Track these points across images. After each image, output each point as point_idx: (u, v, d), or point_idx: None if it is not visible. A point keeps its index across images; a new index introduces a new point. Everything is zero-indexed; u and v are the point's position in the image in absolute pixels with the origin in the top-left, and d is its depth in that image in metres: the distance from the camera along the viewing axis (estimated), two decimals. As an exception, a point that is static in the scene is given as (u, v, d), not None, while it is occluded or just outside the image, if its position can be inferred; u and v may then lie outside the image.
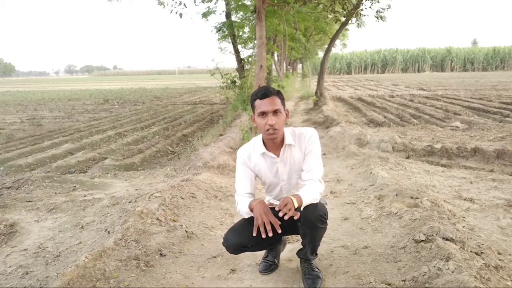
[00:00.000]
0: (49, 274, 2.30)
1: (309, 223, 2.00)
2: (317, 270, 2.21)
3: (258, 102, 2.03)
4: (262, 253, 2.42)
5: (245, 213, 2.11)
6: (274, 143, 2.12)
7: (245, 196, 2.15)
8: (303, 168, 2.12)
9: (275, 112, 2.01)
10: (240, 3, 11.50)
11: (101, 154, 6.44)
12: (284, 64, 28.54)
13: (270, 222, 1.90)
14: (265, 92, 2.02)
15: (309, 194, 1.96)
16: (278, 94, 2.06)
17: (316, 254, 2.26)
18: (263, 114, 2.01)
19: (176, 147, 7.26)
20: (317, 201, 2.02)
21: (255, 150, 2.16)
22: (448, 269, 1.94)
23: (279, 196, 2.23)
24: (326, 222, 2.08)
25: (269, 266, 2.34)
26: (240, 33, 12.30)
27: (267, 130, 2.02)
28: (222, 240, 2.20)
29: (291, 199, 1.85)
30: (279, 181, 2.19)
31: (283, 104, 2.08)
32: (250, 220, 2.23)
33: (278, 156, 2.13)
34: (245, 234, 2.11)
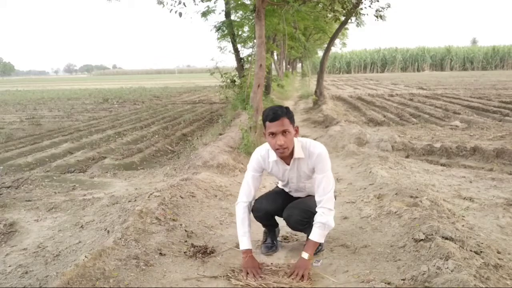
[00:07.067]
0: (49, 273, 2.30)
1: (291, 226, 2.52)
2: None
3: (268, 123, 2.19)
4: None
5: (239, 236, 2.35)
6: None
7: (246, 208, 2.39)
8: (315, 187, 2.34)
9: (284, 132, 2.17)
10: (239, 2, 11.49)
11: (101, 153, 6.43)
12: (284, 63, 28.56)
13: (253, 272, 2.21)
14: (274, 116, 2.16)
15: (320, 237, 2.27)
16: (287, 114, 2.20)
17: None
18: (273, 134, 2.19)
19: (175, 146, 7.25)
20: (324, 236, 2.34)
21: (269, 156, 2.37)
22: (447, 268, 1.95)
23: (287, 187, 2.60)
24: (308, 222, 2.37)
25: (271, 247, 2.59)
26: (240, 32, 12.28)
27: (277, 149, 2.21)
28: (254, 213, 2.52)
29: (307, 261, 2.20)
30: (289, 182, 2.50)
31: (292, 122, 2.23)
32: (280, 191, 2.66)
33: (288, 164, 2.37)
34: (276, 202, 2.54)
